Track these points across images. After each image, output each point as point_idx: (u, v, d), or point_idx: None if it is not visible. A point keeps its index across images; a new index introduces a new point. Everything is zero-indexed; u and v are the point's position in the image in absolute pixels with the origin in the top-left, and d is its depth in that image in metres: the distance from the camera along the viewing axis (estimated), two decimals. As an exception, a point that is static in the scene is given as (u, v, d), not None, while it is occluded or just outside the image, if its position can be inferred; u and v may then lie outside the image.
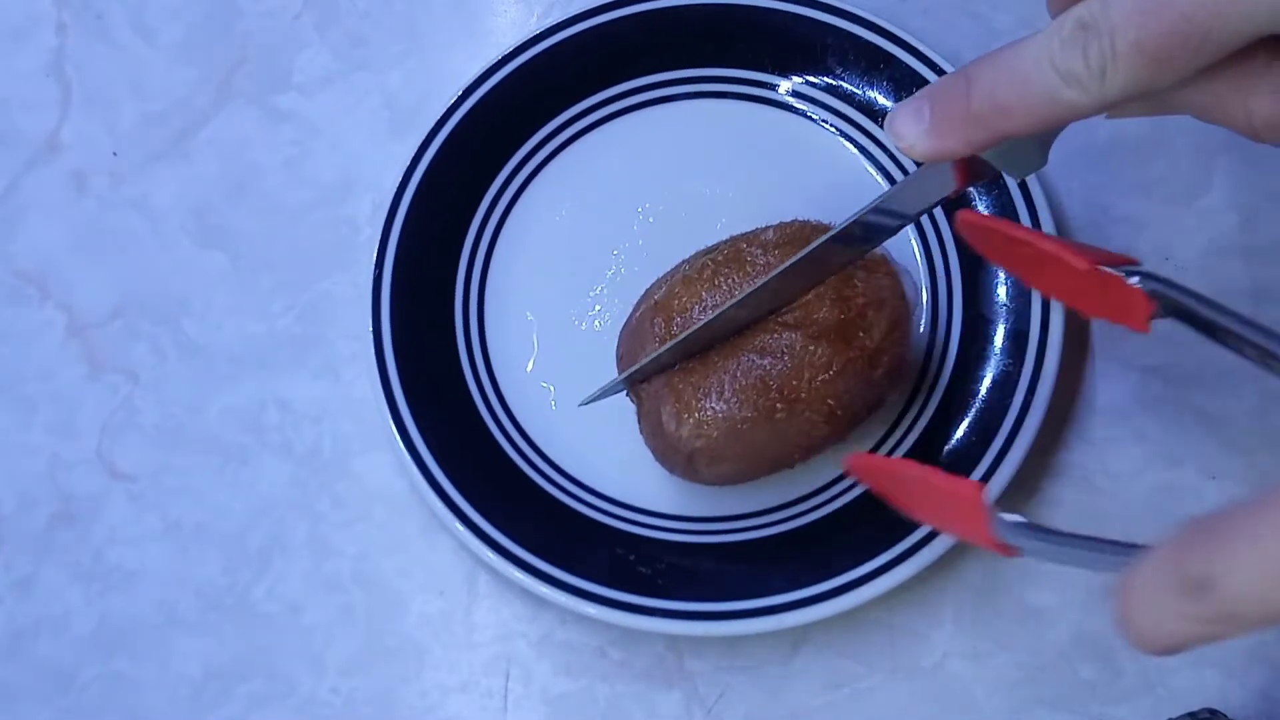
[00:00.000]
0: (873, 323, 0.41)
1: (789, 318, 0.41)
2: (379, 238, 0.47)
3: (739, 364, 0.41)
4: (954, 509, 0.35)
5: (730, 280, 0.42)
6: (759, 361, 0.40)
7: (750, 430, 0.40)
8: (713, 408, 0.40)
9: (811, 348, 0.40)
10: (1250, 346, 0.34)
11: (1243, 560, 0.25)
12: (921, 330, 0.45)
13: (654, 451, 0.43)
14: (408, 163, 0.48)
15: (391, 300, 0.46)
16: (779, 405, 0.40)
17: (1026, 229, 0.42)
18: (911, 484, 0.37)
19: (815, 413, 0.41)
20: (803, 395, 0.40)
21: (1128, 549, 0.29)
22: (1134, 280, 0.37)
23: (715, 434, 0.40)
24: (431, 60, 0.54)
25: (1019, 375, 0.44)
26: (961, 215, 0.40)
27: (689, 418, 0.40)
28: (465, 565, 0.45)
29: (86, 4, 0.55)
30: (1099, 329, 0.47)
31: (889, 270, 0.43)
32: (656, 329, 0.42)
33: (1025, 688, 0.43)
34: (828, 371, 0.40)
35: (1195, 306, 0.36)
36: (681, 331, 0.41)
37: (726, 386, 0.40)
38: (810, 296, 0.41)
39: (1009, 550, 0.34)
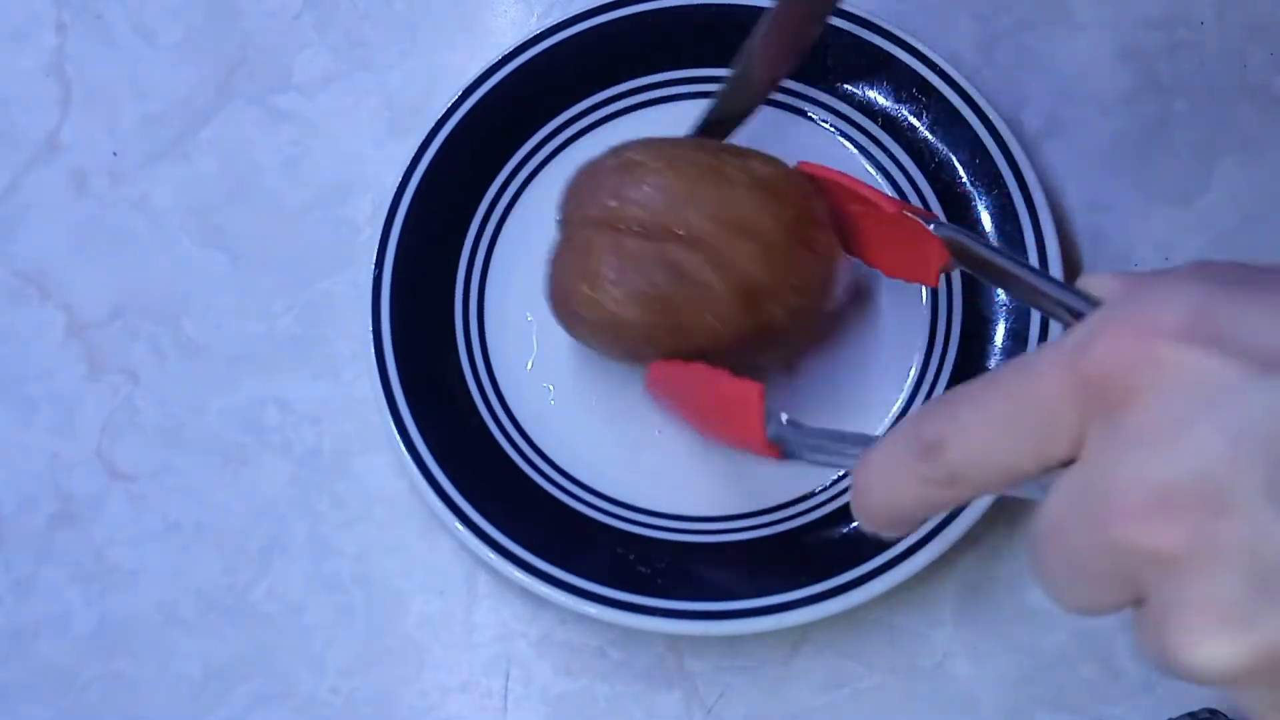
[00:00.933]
0: (786, 304, 0.42)
1: (721, 254, 0.41)
2: (379, 238, 0.47)
3: (656, 266, 0.41)
4: (733, 413, 0.37)
5: (702, 189, 0.42)
6: (670, 276, 0.41)
7: (631, 329, 0.41)
8: (613, 289, 0.41)
9: (723, 294, 0.41)
10: (1032, 292, 0.37)
11: (967, 422, 0.26)
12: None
13: (548, 286, 0.44)
14: (408, 163, 0.48)
15: (391, 300, 0.46)
16: (666, 324, 0.41)
17: (846, 177, 0.43)
18: (698, 386, 0.40)
19: (691, 345, 0.41)
20: (690, 329, 0.41)
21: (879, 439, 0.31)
22: (932, 227, 0.40)
23: (608, 315, 0.41)
24: (431, 60, 0.54)
25: (1019, 375, 0.44)
26: (800, 165, 0.42)
27: (591, 285, 0.41)
28: (465, 565, 0.45)
29: (86, 4, 0.55)
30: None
31: (832, 261, 0.43)
32: (611, 175, 0.42)
33: (1025, 688, 0.43)
34: (723, 321, 0.41)
35: (986, 254, 0.39)
36: (634, 200, 0.42)
37: (635, 279, 0.41)
38: (751, 250, 0.41)
39: (776, 452, 0.36)
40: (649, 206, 0.41)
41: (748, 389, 0.37)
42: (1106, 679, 0.43)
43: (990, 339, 0.46)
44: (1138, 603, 0.24)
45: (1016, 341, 0.45)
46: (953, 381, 0.45)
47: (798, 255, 0.42)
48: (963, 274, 0.47)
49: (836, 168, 0.47)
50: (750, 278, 0.41)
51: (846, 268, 0.44)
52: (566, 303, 0.43)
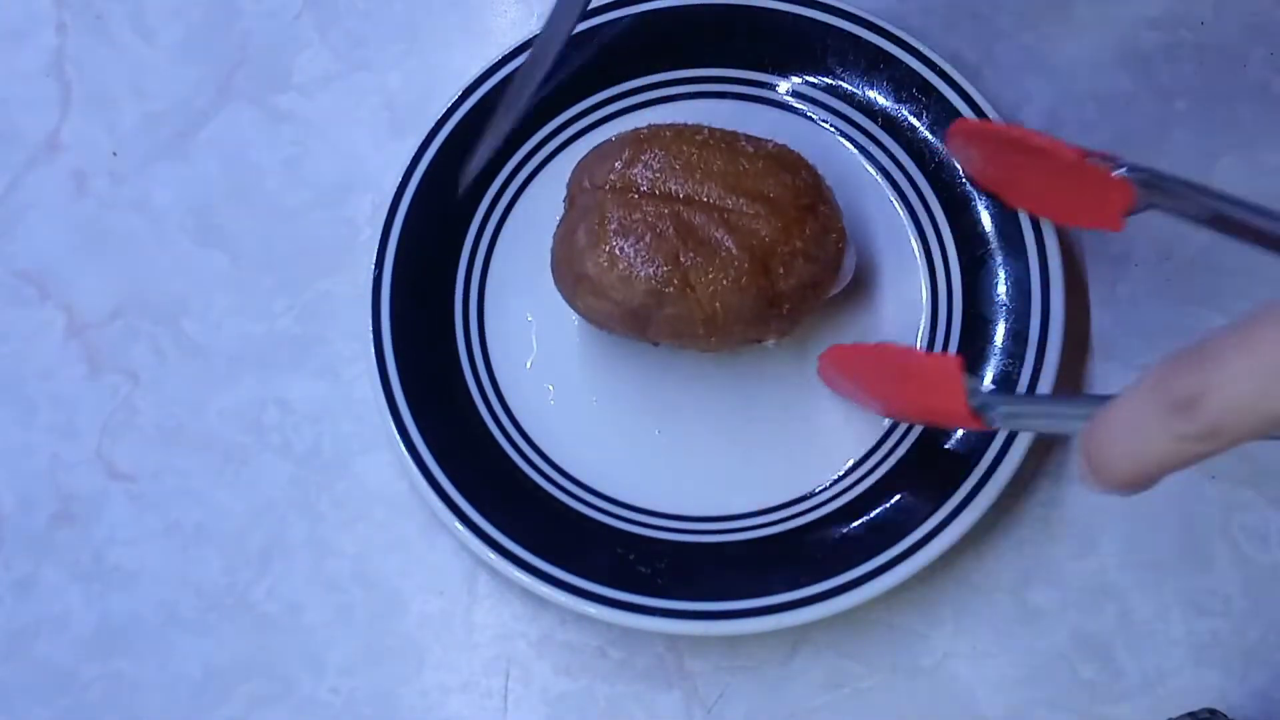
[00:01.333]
0: (795, 270, 0.42)
1: (732, 216, 0.42)
2: (379, 238, 0.47)
3: (667, 226, 0.42)
4: (930, 386, 0.37)
5: (712, 157, 0.43)
6: (681, 236, 0.42)
7: (640, 286, 0.41)
8: (623, 247, 0.42)
9: (734, 254, 0.42)
10: (1236, 226, 0.37)
11: (1235, 369, 0.26)
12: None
13: (553, 258, 0.44)
14: (408, 163, 0.48)
15: (391, 300, 0.46)
16: (675, 283, 0.41)
17: (1018, 128, 0.44)
18: (889, 367, 0.40)
19: (699, 308, 0.42)
20: (699, 288, 0.41)
21: (1101, 400, 0.30)
22: (1120, 171, 0.39)
23: (613, 270, 0.42)
24: (431, 60, 0.54)
25: (1019, 375, 0.44)
26: (956, 123, 0.42)
27: (601, 245, 0.42)
28: (465, 565, 0.45)
29: (86, 4, 0.55)
30: (1098, 329, 0.47)
31: (840, 236, 0.44)
32: (621, 147, 0.44)
33: (1025, 688, 0.43)
34: (733, 282, 0.41)
35: (1175, 188, 0.39)
36: (646, 164, 0.43)
37: (646, 237, 0.42)
38: (762, 211, 0.42)
39: (982, 423, 0.36)
40: (660, 171, 0.43)
41: (946, 362, 0.37)
42: (1106, 679, 0.43)
43: (990, 339, 0.46)
44: None
45: (1017, 341, 0.45)
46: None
47: (808, 222, 0.43)
48: (962, 271, 0.47)
49: (837, 168, 0.47)
50: (761, 238, 0.42)
51: (851, 250, 0.45)
52: (571, 264, 0.43)
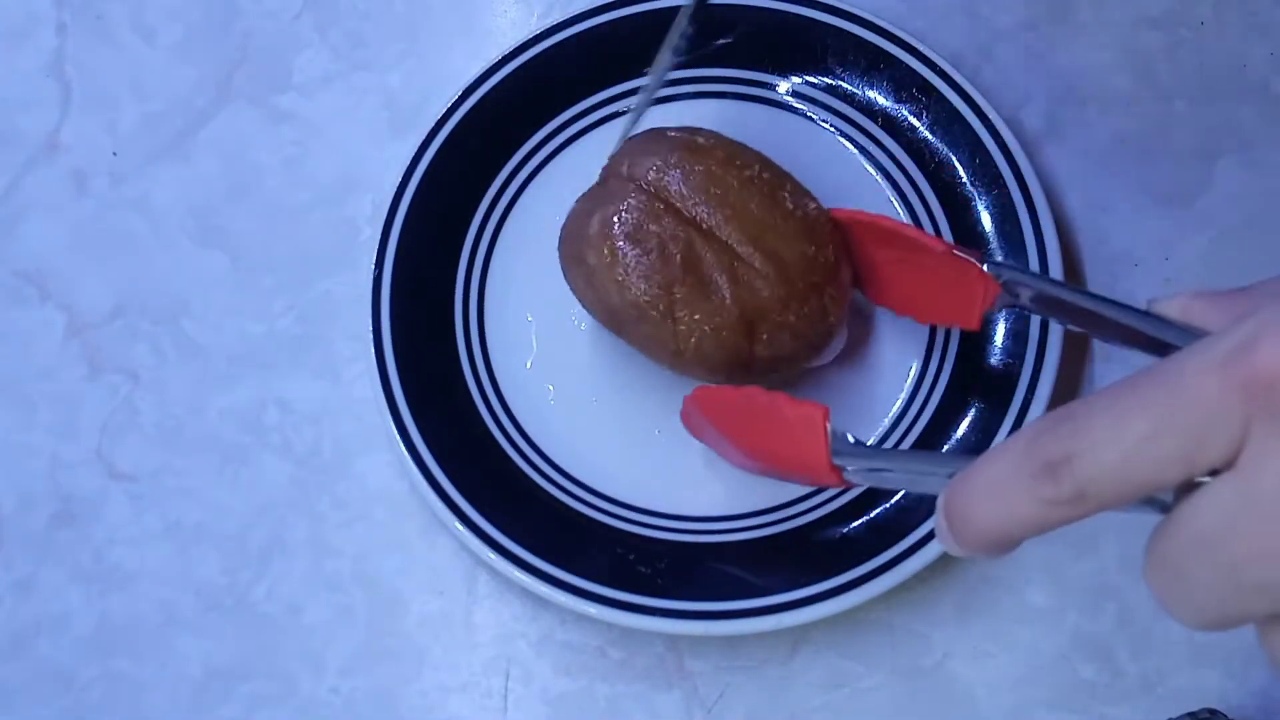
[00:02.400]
0: (779, 342, 0.42)
1: (741, 267, 0.41)
2: (379, 238, 0.47)
3: (676, 251, 0.41)
4: (793, 437, 0.36)
5: (749, 197, 0.42)
6: (685, 266, 0.41)
7: (628, 295, 0.41)
8: (627, 253, 0.41)
9: (727, 304, 0.41)
10: (1098, 322, 0.36)
11: (1101, 435, 0.25)
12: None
13: (567, 222, 0.44)
14: (408, 163, 0.48)
15: (391, 300, 0.46)
16: (661, 308, 0.41)
17: (884, 218, 0.43)
18: (753, 413, 0.39)
19: (673, 340, 0.41)
20: (681, 322, 0.41)
21: (966, 460, 0.29)
22: (986, 266, 0.39)
23: (610, 270, 0.41)
24: (431, 60, 0.54)
25: (1019, 375, 0.44)
26: (833, 211, 0.42)
27: (608, 242, 0.41)
28: (465, 565, 0.45)
29: (86, 4, 0.55)
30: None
31: (837, 323, 0.43)
32: (673, 147, 0.43)
33: (1025, 688, 0.43)
34: (714, 330, 0.41)
35: (1047, 289, 0.38)
36: (686, 177, 0.42)
37: (652, 254, 0.41)
38: (771, 273, 0.41)
39: (839, 478, 0.35)
40: (695, 191, 0.42)
41: (812, 411, 0.36)
42: (1106, 679, 0.43)
43: (990, 340, 0.46)
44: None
45: (1017, 342, 0.45)
46: (952, 384, 0.45)
47: (810, 300, 0.42)
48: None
49: (836, 168, 0.47)
50: (760, 299, 0.41)
51: (843, 334, 0.44)
52: (577, 242, 0.43)
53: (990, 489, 0.27)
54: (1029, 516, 0.27)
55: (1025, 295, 0.39)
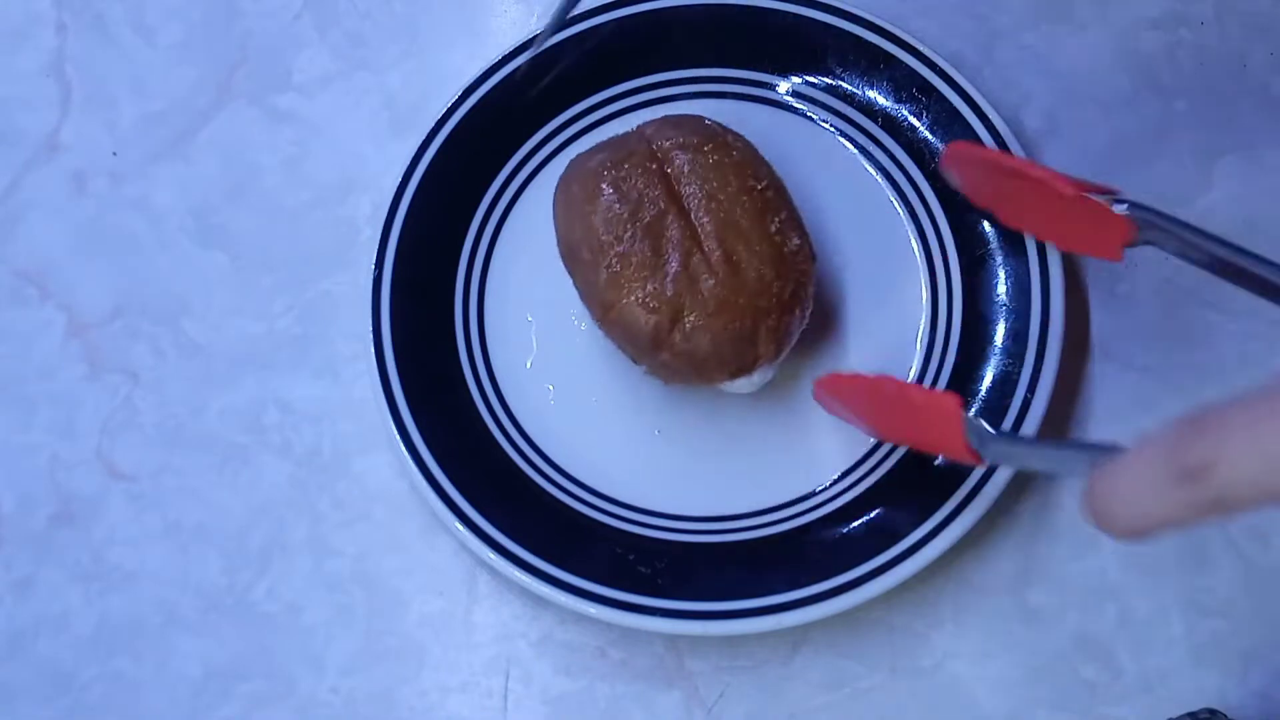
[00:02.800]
0: (693, 338, 0.42)
1: (695, 257, 0.42)
2: (379, 238, 0.47)
3: (648, 213, 0.42)
4: (930, 422, 0.38)
5: (737, 203, 0.43)
6: (648, 228, 0.42)
7: (587, 233, 0.42)
8: (607, 194, 0.42)
9: (663, 285, 0.41)
10: (1232, 270, 0.38)
11: (1241, 444, 0.26)
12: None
13: (560, 182, 0.45)
14: (408, 163, 0.48)
15: (391, 300, 0.46)
16: (610, 261, 0.42)
17: (1017, 158, 0.43)
18: (886, 399, 0.40)
19: (607, 289, 0.42)
20: (621, 279, 0.42)
21: (1103, 450, 0.31)
22: (1119, 207, 0.40)
23: (582, 204, 0.43)
24: (431, 60, 0.54)
25: (1019, 375, 0.44)
26: (951, 146, 0.41)
27: (596, 179, 0.43)
28: (465, 565, 0.45)
29: (86, 4, 0.55)
30: (1098, 329, 0.47)
31: (769, 346, 0.43)
32: (698, 130, 0.44)
33: (1025, 688, 0.43)
34: (643, 301, 0.41)
35: (1175, 229, 0.39)
36: (696, 157, 0.43)
37: (627, 207, 0.42)
38: (722, 275, 0.42)
39: (977, 458, 0.37)
40: (694, 175, 0.43)
41: (945, 400, 0.37)
42: (1106, 679, 0.43)
43: (990, 339, 0.46)
44: None
45: (1017, 341, 0.45)
46: (953, 381, 0.45)
47: (745, 320, 0.42)
48: (962, 271, 0.47)
49: (836, 168, 0.47)
50: (696, 292, 0.41)
51: (766, 373, 0.44)
52: (573, 169, 0.45)
53: (1133, 490, 0.29)
54: (1169, 516, 0.28)
55: (1160, 238, 0.40)
